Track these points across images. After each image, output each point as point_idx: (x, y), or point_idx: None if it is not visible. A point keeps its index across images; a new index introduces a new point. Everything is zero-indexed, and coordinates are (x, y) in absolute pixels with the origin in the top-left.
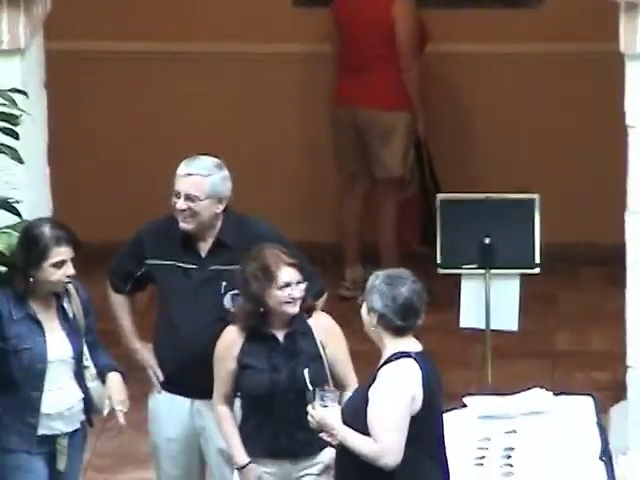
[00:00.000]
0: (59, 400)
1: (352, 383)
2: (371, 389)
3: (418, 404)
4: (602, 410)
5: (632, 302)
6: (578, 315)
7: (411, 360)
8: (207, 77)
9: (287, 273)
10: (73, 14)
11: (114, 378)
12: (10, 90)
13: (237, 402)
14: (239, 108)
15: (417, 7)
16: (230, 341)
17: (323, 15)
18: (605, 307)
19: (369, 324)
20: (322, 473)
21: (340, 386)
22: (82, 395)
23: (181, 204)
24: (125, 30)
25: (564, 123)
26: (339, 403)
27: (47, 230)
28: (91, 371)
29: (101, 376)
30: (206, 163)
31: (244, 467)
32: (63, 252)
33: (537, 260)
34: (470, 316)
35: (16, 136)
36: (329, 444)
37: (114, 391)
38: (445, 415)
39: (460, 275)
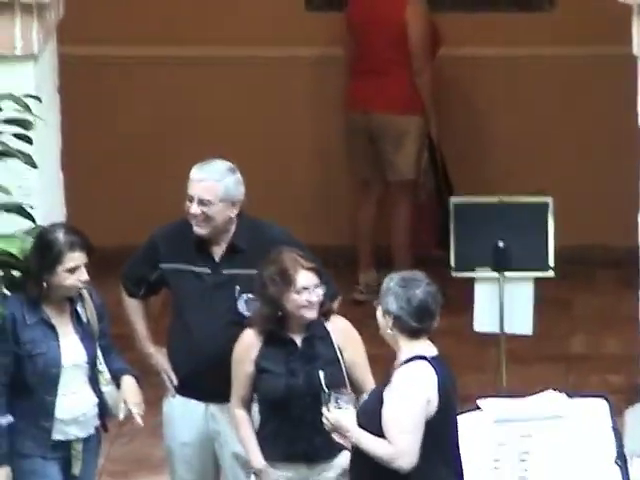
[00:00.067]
0: (73, 405)
1: (370, 387)
2: (386, 391)
3: (433, 407)
4: (617, 413)
5: None
6: (592, 318)
7: (426, 363)
8: (220, 81)
9: (305, 277)
10: (86, 19)
11: (129, 382)
12: (24, 95)
13: (255, 406)
14: (252, 112)
15: (430, 10)
16: (248, 344)
17: (335, 19)
18: (619, 310)
19: (384, 327)
20: (339, 477)
21: (358, 390)
22: (96, 400)
23: (195, 209)
24: (138, 35)
25: (577, 126)
26: (355, 406)
27: (61, 235)
28: (105, 376)
29: (115, 380)
30: (219, 167)
31: (261, 471)
32: (77, 257)
33: (551, 263)
34: (484, 320)
35: (30, 141)
36: (346, 448)
37: (129, 394)
38: (460, 418)
39: (474, 278)
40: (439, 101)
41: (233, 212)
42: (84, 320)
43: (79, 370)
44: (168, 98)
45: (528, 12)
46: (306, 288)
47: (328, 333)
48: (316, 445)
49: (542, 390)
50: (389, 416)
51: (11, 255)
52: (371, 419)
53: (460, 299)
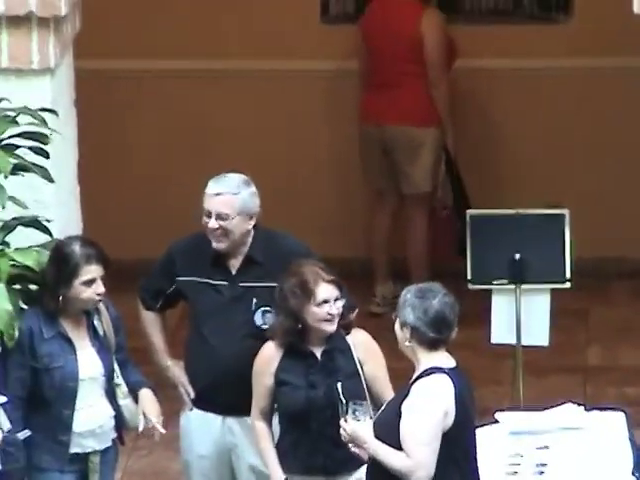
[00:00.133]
0: (90, 418)
1: None
2: (404, 404)
3: (450, 420)
4: (634, 425)
5: None
6: (609, 330)
7: (444, 375)
8: (235, 94)
9: (325, 290)
10: (102, 33)
11: (147, 394)
12: (40, 109)
13: (275, 417)
14: (267, 125)
15: (446, 23)
16: (268, 357)
17: (350, 32)
18: (636, 321)
19: (403, 339)
20: None
21: (378, 403)
22: (113, 413)
23: (213, 223)
24: (154, 48)
25: (594, 137)
26: (372, 417)
27: (77, 248)
28: (122, 388)
29: (132, 393)
30: (234, 181)
31: None
32: (93, 270)
33: (568, 275)
34: (501, 332)
35: (46, 155)
36: (363, 460)
37: (148, 406)
38: (477, 431)
39: (491, 291)
40: (455, 113)
41: (250, 225)
42: (101, 333)
43: (96, 383)
44: (182, 111)
45: (544, 24)
46: (326, 301)
47: (349, 346)
48: (335, 458)
49: (560, 402)
50: (407, 428)
51: (28, 269)
52: (388, 431)
53: (477, 311)
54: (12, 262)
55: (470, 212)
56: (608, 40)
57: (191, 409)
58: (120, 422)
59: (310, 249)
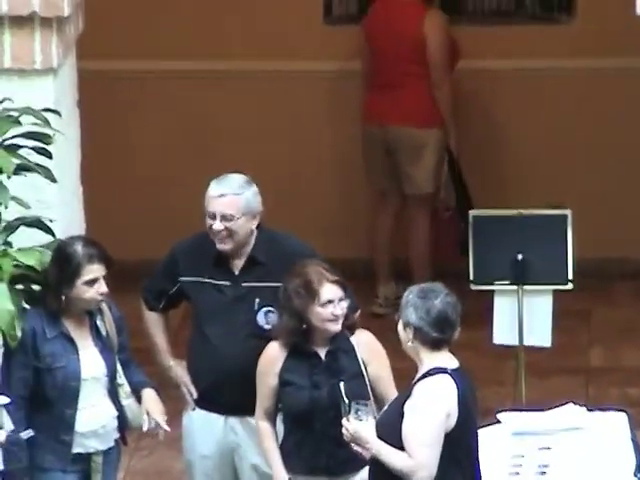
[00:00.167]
0: (93, 418)
1: None
2: (407, 404)
3: (453, 421)
4: (636, 426)
5: None
6: (611, 331)
7: (447, 376)
8: (238, 95)
9: (330, 290)
10: (105, 34)
11: (150, 393)
12: (43, 110)
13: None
14: (270, 125)
15: (448, 23)
16: (272, 357)
17: (354, 32)
18: (638, 322)
19: (406, 340)
20: None
21: (382, 404)
22: (116, 413)
23: (218, 225)
24: (157, 49)
25: (596, 138)
26: (375, 417)
27: (79, 248)
28: (125, 388)
29: (135, 393)
30: (236, 181)
31: None
32: (96, 270)
33: (570, 276)
34: (503, 332)
35: (49, 155)
36: (366, 460)
37: (151, 405)
38: (479, 432)
39: (493, 291)
40: (458, 114)
41: (254, 224)
42: (103, 333)
43: (98, 383)
44: (185, 112)
45: (546, 25)
46: (331, 301)
47: (353, 347)
48: (339, 459)
49: (562, 403)
50: (409, 429)
51: (31, 269)
52: (391, 431)
53: (479, 312)
54: (15, 262)
55: (472, 212)
56: (610, 41)
57: (194, 409)
58: (123, 422)
59: (313, 250)
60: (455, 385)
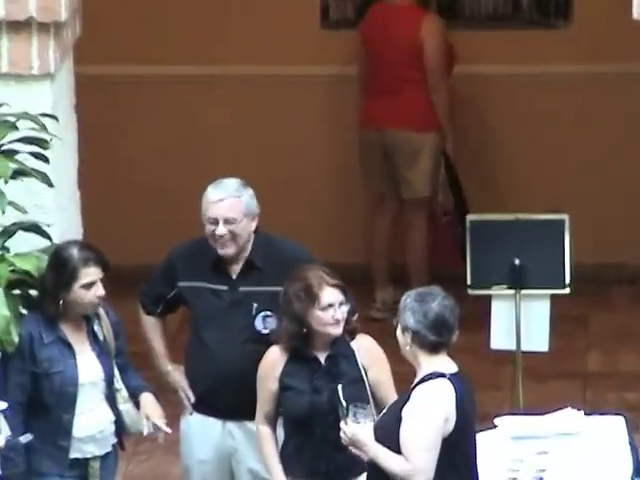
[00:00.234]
0: (91, 423)
1: None
2: (405, 408)
3: (451, 425)
4: (634, 430)
5: None
6: (609, 335)
7: (445, 381)
8: (235, 99)
9: (330, 294)
10: (103, 38)
11: (148, 397)
12: (40, 115)
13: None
14: (267, 130)
15: (445, 28)
16: (273, 361)
17: (350, 37)
18: (636, 327)
19: (404, 344)
20: None
21: (382, 409)
22: (113, 418)
23: (221, 229)
24: (154, 54)
25: (592, 143)
26: (373, 421)
27: (75, 252)
28: (123, 393)
29: (133, 398)
30: (233, 184)
31: None
32: (92, 272)
33: (567, 280)
34: (501, 337)
35: (46, 160)
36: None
37: (150, 409)
38: (477, 436)
39: (490, 296)
40: (454, 118)
41: (253, 226)
42: (101, 338)
43: (96, 388)
44: (183, 117)
45: (543, 30)
46: (331, 305)
47: (353, 352)
48: (338, 463)
49: (559, 408)
50: (407, 433)
51: (28, 274)
52: (389, 435)
53: (477, 316)
54: (12, 267)
55: (470, 217)
56: (607, 46)
57: (191, 413)
58: (120, 427)
59: (310, 254)
60: (453, 389)
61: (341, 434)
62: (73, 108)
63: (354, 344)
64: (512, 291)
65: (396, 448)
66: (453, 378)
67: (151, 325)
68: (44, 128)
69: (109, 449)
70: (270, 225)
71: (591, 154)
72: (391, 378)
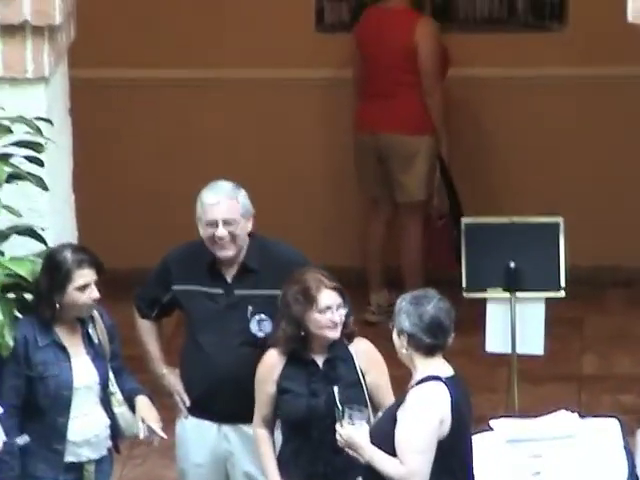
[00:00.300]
0: (85, 427)
1: None
2: (400, 411)
3: (446, 428)
4: (629, 433)
5: None
6: (604, 338)
7: (441, 384)
8: (230, 103)
9: (328, 296)
10: (97, 42)
11: (144, 400)
12: (35, 118)
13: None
14: (262, 133)
15: (440, 31)
16: (271, 364)
17: (345, 40)
18: (631, 330)
19: (400, 347)
20: None
21: (379, 412)
22: (108, 421)
23: (221, 232)
24: (149, 57)
25: (587, 146)
26: (369, 423)
27: (69, 255)
28: (117, 397)
29: (128, 401)
30: (228, 186)
31: None
32: (86, 274)
33: (562, 283)
34: (496, 340)
35: (41, 164)
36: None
37: (146, 412)
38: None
39: (485, 299)
40: (449, 122)
41: (249, 227)
42: (95, 341)
43: (91, 391)
44: (177, 120)
45: (538, 32)
46: (329, 307)
47: (351, 355)
48: (336, 466)
49: (554, 410)
50: (401, 436)
51: (22, 278)
52: (384, 438)
53: (472, 320)
54: (7, 271)
55: (465, 220)
56: (602, 49)
57: (187, 417)
58: (115, 431)
59: (305, 256)
60: (449, 393)
61: (337, 436)
62: (67, 111)
63: (352, 348)
64: (507, 294)
65: (392, 451)
66: (449, 381)
67: (146, 329)
68: (39, 132)
69: (104, 453)
70: (265, 228)
71: (586, 157)
72: (389, 382)
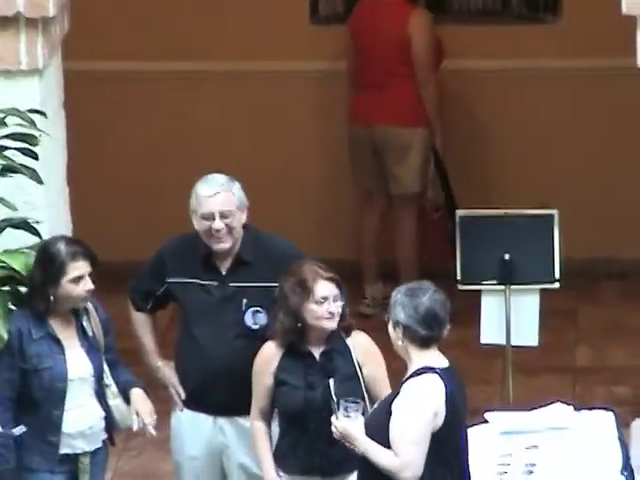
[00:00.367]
0: (80, 419)
1: None
2: (394, 403)
3: (441, 420)
4: (623, 425)
5: None
6: (598, 330)
7: (435, 375)
8: (224, 95)
9: (325, 287)
10: (91, 34)
11: (138, 393)
12: (29, 111)
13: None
14: (256, 125)
15: (433, 23)
16: (268, 356)
17: (340, 32)
18: (625, 321)
19: (395, 339)
20: None
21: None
22: (103, 413)
23: (218, 224)
24: (143, 50)
25: (582, 138)
26: (363, 415)
27: (63, 247)
28: (112, 389)
29: (123, 393)
30: (223, 178)
31: None
32: (80, 266)
33: (557, 275)
34: (490, 332)
35: (35, 156)
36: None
37: (140, 405)
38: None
39: (480, 291)
40: (442, 114)
41: (244, 219)
42: (90, 334)
43: (85, 384)
44: (171, 113)
45: (532, 24)
46: (325, 298)
47: (348, 348)
48: (332, 459)
49: (549, 402)
50: (396, 428)
51: (16, 271)
52: (379, 430)
53: (466, 312)
54: (0, 264)
55: (459, 212)
56: (596, 41)
57: (182, 410)
58: (110, 423)
59: (299, 248)
60: (443, 384)
61: (332, 428)
62: (61, 104)
63: (350, 341)
64: (502, 286)
65: (386, 443)
66: (443, 373)
67: (141, 321)
68: (33, 124)
69: (99, 445)
70: (260, 220)
71: (580, 149)
72: (386, 375)
